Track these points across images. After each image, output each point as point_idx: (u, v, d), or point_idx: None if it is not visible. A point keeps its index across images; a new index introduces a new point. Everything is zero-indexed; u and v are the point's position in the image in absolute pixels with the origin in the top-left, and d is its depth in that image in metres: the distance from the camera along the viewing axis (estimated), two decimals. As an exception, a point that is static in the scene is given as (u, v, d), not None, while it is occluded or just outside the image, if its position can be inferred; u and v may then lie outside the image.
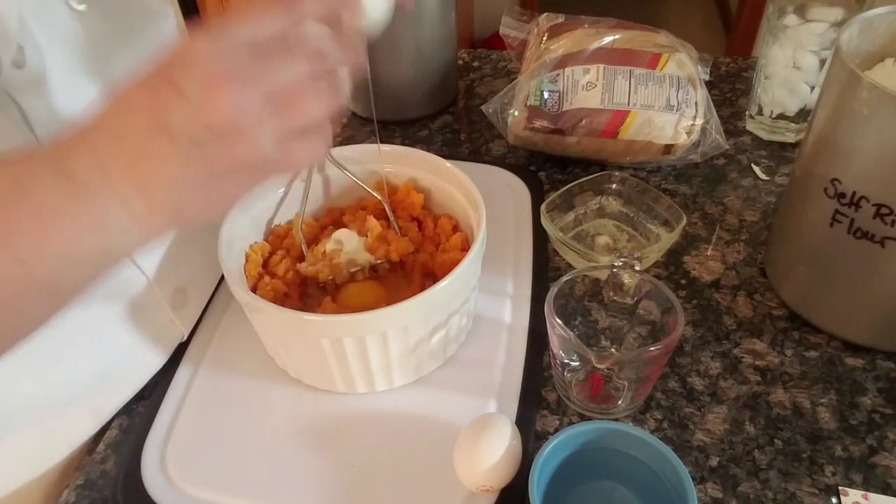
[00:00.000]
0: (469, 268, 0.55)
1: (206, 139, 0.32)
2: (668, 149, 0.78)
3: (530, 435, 0.55)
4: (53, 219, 0.32)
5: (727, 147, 0.80)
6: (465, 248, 0.62)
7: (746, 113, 0.87)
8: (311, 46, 0.36)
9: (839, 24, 0.75)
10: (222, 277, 0.68)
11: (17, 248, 0.32)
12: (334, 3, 0.38)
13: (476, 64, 1.04)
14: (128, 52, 0.55)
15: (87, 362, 0.56)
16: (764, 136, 0.85)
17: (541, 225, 0.70)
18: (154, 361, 0.61)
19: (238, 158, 0.34)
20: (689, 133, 0.77)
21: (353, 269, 0.63)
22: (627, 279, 0.58)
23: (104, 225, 0.33)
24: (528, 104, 0.79)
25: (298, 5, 0.36)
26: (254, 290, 0.59)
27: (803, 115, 0.81)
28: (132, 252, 0.36)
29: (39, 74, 0.46)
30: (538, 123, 0.79)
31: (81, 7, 0.50)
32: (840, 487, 0.52)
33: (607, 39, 0.79)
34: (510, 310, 0.65)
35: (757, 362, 0.61)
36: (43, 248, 0.33)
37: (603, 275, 0.59)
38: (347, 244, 0.62)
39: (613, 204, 0.75)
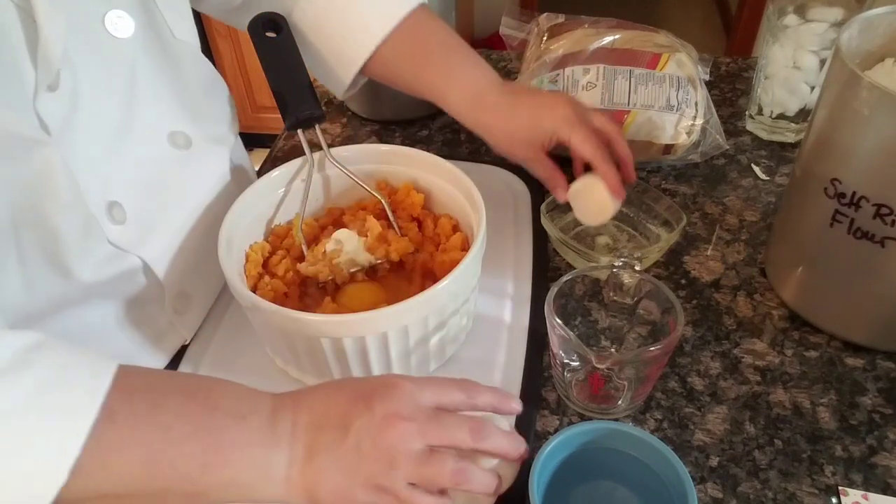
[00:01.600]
0: (469, 268, 0.55)
1: (368, 449, 0.41)
2: (668, 149, 0.78)
3: (530, 435, 0.55)
4: (246, 449, 0.41)
5: (727, 147, 0.80)
6: (465, 248, 0.62)
7: (746, 113, 0.87)
8: (475, 424, 0.44)
9: (839, 24, 0.75)
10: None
11: (211, 457, 0.40)
12: (501, 405, 0.48)
13: (476, 64, 1.04)
14: (155, 81, 0.56)
15: None
16: (764, 136, 0.85)
17: (541, 225, 0.70)
18: (155, 364, 0.61)
19: (378, 476, 0.42)
20: (689, 133, 0.77)
21: (353, 269, 0.63)
22: (627, 279, 0.58)
23: (268, 470, 0.42)
24: (528, 104, 0.79)
25: (475, 393, 0.46)
26: (254, 290, 0.59)
27: (803, 115, 0.81)
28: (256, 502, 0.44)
29: (71, 100, 0.47)
30: (538, 123, 0.79)
31: (125, 35, 0.52)
32: (840, 487, 0.52)
33: (607, 39, 0.79)
34: (510, 310, 0.65)
35: (757, 362, 0.61)
36: (222, 470, 0.41)
37: (603, 275, 0.59)
38: (347, 244, 0.62)
39: (613, 204, 0.75)
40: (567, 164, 0.83)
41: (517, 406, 0.49)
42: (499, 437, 0.45)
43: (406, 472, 0.42)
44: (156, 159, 0.57)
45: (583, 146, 0.63)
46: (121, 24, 0.52)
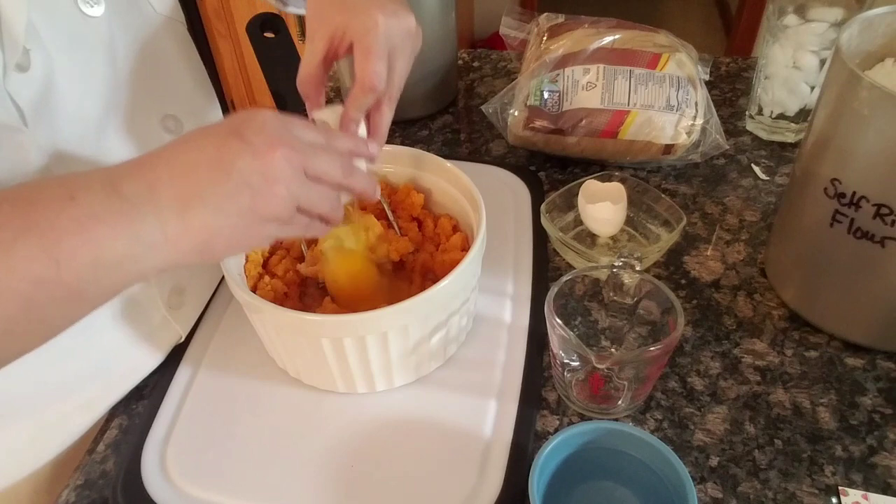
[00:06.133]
0: (469, 268, 0.55)
1: (255, 183, 0.39)
2: (668, 149, 0.78)
3: (530, 435, 0.55)
4: (94, 226, 0.36)
5: (727, 147, 0.80)
6: (465, 248, 0.62)
7: (746, 113, 0.87)
8: (346, 160, 0.45)
9: (839, 24, 0.75)
10: (222, 278, 0.68)
11: (56, 250, 0.35)
12: (358, 149, 0.49)
13: (476, 64, 1.04)
14: (140, 61, 0.56)
15: (80, 356, 0.56)
16: (764, 136, 0.85)
17: (541, 225, 0.70)
18: (150, 360, 0.61)
19: (271, 206, 0.40)
20: (689, 133, 0.77)
21: (352, 269, 0.63)
22: (627, 279, 0.58)
23: (137, 237, 0.37)
24: (528, 104, 0.79)
25: (333, 138, 0.46)
26: (254, 290, 0.59)
27: (803, 115, 0.81)
28: (154, 272, 0.40)
29: (45, 79, 0.46)
30: (538, 123, 0.79)
31: (96, 13, 0.50)
32: (840, 487, 0.52)
33: (607, 39, 0.79)
34: (510, 310, 0.65)
35: (757, 362, 0.61)
36: (78, 252, 0.36)
37: (603, 275, 0.59)
38: (347, 244, 0.62)
39: (613, 204, 0.75)
40: (567, 164, 0.83)
41: (375, 149, 0.50)
42: (362, 178, 0.47)
43: (295, 197, 0.41)
44: (148, 145, 0.56)
45: (364, 62, 0.50)
46: (93, 1, 0.50)
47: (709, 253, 0.71)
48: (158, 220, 0.37)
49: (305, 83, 0.53)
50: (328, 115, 0.53)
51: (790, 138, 0.84)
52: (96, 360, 0.58)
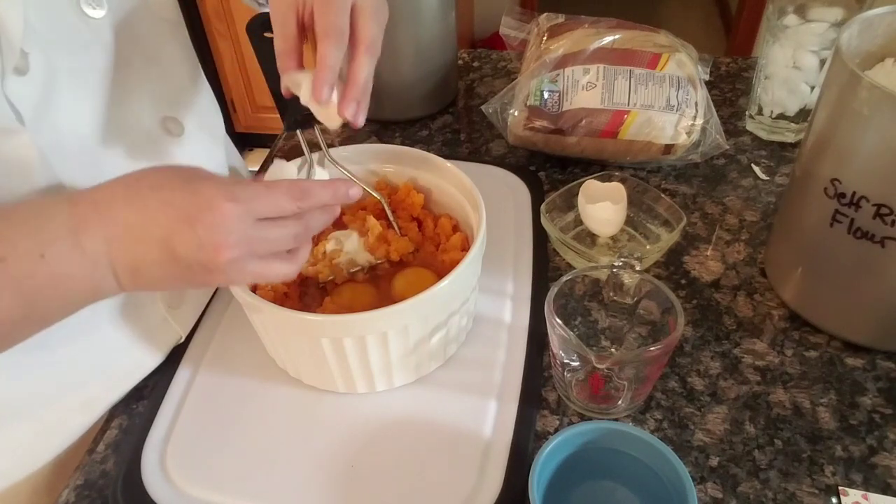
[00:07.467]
0: (469, 268, 0.55)
1: (196, 269, 0.43)
2: (668, 149, 0.78)
3: (530, 435, 0.55)
4: (65, 282, 0.41)
5: (727, 147, 0.80)
6: (465, 248, 0.62)
7: (746, 113, 0.87)
8: (299, 229, 0.46)
9: (839, 24, 0.75)
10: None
11: (32, 301, 0.41)
12: (337, 198, 0.48)
13: (476, 64, 1.04)
14: (141, 63, 0.55)
15: (80, 356, 0.56)
16: (764, 136, 0.85)
17: (541, 225, 0.70)
18: (149, 360, 0.61)
19: (211, 283, 0.48)
20: (689, 133, 0.77)
21: (353, 269, 0.63)
22: (627, 279, 0.58)
23: (98, 288, 0.43)
24: (528, 104, 0.79)
25: (310, 199, 0.46)
26: (254, 290, 0.59)
27: (803, 115, 0.81)
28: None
29: (45, 82, 0.46)
30: (538, 123, 0.79)
31: (98, 15, 0.50)
32: (840, 487, 0.52)
33: (607, 39, 0.79)
34: (510, 310, 0.65)
35: (757, 362, 0.61)
36: (50, 301, 0.42)
37: (603, 275, 0.59)
38: (347, 244, 0.62)
39: (613, 204, 0.75)
40: (567, 164, 0.83)
41: (355, 192, 0.49)
42: (319, 215, 0.48)
43: (238, 273, 0.44)
44: (149, 146, 0.56)
45: (322, 15, 0.49)
46: (95, 3, 0.50)
47: (709, 253, 0.71)
48: (115, 279, 0.43)
49: (283, 56, 0.52)
50: (302, 77, 0.51)
51: (790, 138, 0.84)
52: (96, 360, 0.58)
